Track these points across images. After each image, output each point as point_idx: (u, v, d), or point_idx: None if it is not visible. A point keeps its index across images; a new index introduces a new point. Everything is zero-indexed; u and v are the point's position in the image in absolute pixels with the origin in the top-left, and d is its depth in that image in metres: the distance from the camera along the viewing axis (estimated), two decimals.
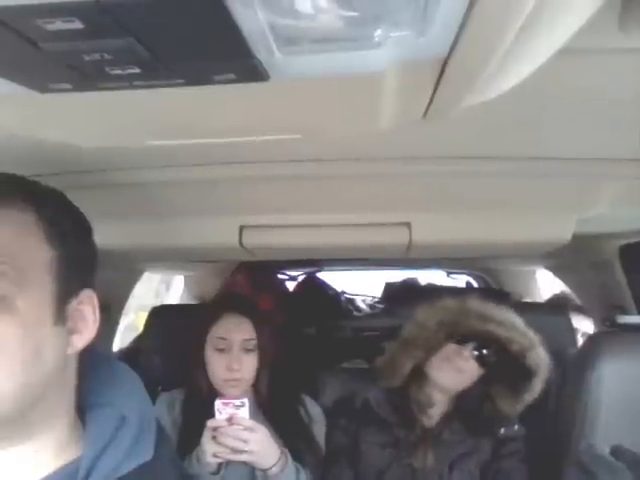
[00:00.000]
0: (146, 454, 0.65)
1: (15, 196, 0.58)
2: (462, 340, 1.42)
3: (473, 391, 1.46)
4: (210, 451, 1.25)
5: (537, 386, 1.41)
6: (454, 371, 1.41)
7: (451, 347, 1.42)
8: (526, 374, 1.40)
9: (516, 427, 1.47)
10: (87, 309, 0.63)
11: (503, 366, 1.42)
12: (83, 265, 0.64)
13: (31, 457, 0.61)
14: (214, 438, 1.25)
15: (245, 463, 1.29)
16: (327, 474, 1.47)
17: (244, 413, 1.26)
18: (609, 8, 0.47)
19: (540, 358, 1.40)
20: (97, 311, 0.64)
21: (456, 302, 1.45)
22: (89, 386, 0.68)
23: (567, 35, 0.44)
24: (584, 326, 2.25)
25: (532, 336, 1.40)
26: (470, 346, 1.40)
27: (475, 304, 1.43)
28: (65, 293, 0.60)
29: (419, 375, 1.48)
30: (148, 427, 0.68)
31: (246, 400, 1.28)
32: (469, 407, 1.46)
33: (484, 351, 1.41)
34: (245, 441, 1.24)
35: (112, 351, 2.06)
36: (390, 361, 1.49)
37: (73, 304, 0.61)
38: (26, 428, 0.60)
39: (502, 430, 1.45)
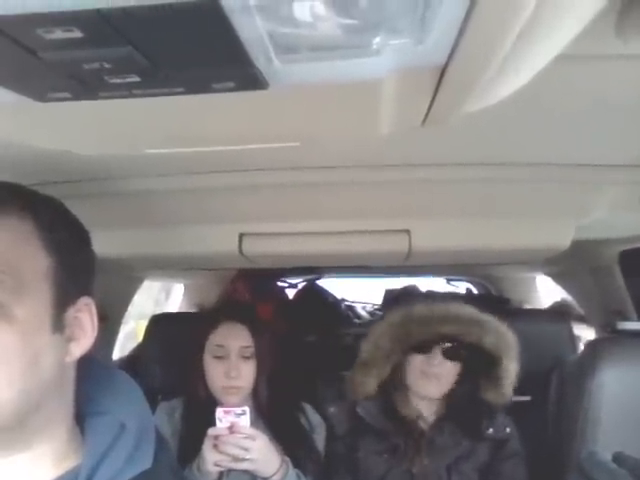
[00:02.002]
0: (145, 462, 0.64)
1: (13, 204, 0.58)
2: (425, 348, 1.40)
3: (460, 391, 1.45)
4: (211, 460, 1.24)
5: (510, 367, 1.38)
6: (433, 380, 1.40)
7: (418, 358, 1.40)
8: (495, 359, 1.39)
9: (508, 430, 1.45)
10: (85, 317, 0.63)
11: (475, 358, 1.41)
12: (81, 273, 0.64)
13: (30, 466, 0.60)
14: (215, 447, 1.25)
15: (246, 471, 1.28)
16: None
17: (245, 421, 1.26)
18: (606, 14, 0.47)
19: (499, 339, 1.37)
20: (95, 319, 0.64)
21: (400, 314, 1.43)
22: (88, 394, 0.68)
23: (565, 41, 0.44)
24: (585, 334, 2.25)
25: (485, 320, 1.38)
26: (437, 351, 1.39)
27: (418, 310, 1.41)
28: (63, 301, 0.60)
29: (399, 387, 1.47)
30: (147, 435, 0.67)
31: (247, 408, 1.27)
32: (460, 408, 1.45)
33: (453, 346, 1.39)
34: (246, 449, 1.24)
35: (112, 360, 2.05)
36: (352, 381, 1.48)
37: (71, 312, 0.61)
38: (25, 436, 0.59)
39: (491, 430, 1.43)
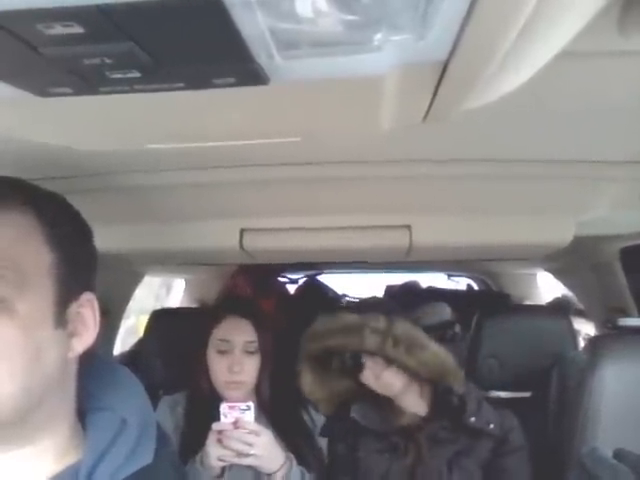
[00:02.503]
0: (147, 457, 0.65)
1: (15, 199, 0.58)
2: (351, 368, 1.39)
3: (432, 384, 1.43)
4: (215, 455, 1.25)
5: (420, 356, 1.33)
6: (385, 388, 1.39)
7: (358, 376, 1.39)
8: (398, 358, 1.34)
9: (492, 426, 1.41)
10: (87, 312, 0.63)
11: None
12: (83, 268, 0.64)
13: (31, 461, 0.61)
14: (219, 441, 1.25)
15: (249, 467, 1.29)
16: None
17: (250, 417, 1.26)
18: (608, 11, 0.47)
19: (385, 337, 1.32)
20: (97, 314, 0.64)
21: (306, 336, 1.44)
22: (89, 390, 0.68)
23: (566, 38, 0.44)
24: (586, 330, 2.25)
25: (379, 319, 1.34)
26: (361, 367, 1.37)
27: (315, 327, 1.42)
28: (65, 296, 0.60)
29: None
30: (148, 430, 0.67)
31: (252, 404, 1.28)
32: (441, 400, 1.42)
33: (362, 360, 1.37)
34: (250, 445, 1.24)
35: (113, 355, 2.06)
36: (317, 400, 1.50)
37: (73, 307, 0.61)
38: (26, 432, 0.59)
39: (473, 419, 1.39)
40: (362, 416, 1.47)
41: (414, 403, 1.45)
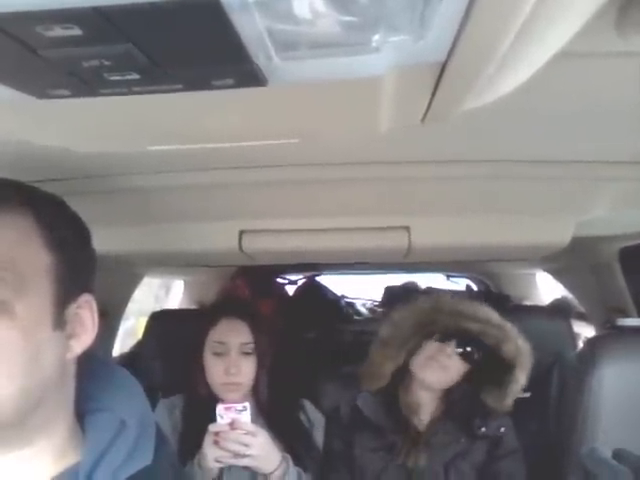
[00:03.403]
0: (145, 459, 0.65)
1: (14, 201, 0.58)
2: (443, 338, 1.42)
3: (461, 390, 1.47)
4: (212, 456, 1.25)
5: (520, 378, 1.41)
6: (439, 369, 1.42)
7: (434, 345, 1.43)
8: (507, 367, 1.40)
9: (502, 429, 1.46)
10: (86, 314, 0.63)
11: (486, 361, 1.43)
12: (82, 270, 0.64)
13: (30, 462, 0.60)
14: (216, 443, 1.25)
15: (246, 468, 1.29)
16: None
17: (246, 417, 1.26)
18: (606, 12, 0.47)
19: (518, 349, 1.39)
20: (96, 316, 0.64)
21: (429, 301, 1.47)
22: (88, 391, 0.68)
23: (564, 38, 0.44)
24: (585, 331, 2.25)
25: (508, 328, 1.40)
26: (452, 343, 1.41)
27: (447, 301, 1.45)
28: (64, 298, 0.60)
29: (405, 376, 1.48)
30: (147, 432, 0.67)
31: (248, 404, 1.28)
32: (459, 407, 1.46)
33: (467, 348, 1.42)
34: (247, 445, 1.24)
35: (112, 356, 2.06)
36: (370, 364, 1.50)
37: (72, 309, 0.61)
38: (25, 433, 0.59)
39: (483, 429, 1.44)
40: (366, 406, 1.49)
41: (431, 401, 1.48)
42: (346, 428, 1.50)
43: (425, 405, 1.48)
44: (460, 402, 1.46)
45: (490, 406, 1.44)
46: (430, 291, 3.03)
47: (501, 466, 1.43)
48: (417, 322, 1.44)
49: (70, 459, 0.63)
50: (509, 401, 1.43)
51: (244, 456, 1.24)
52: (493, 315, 1.42)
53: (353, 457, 1.46)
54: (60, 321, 0.59)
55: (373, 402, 1.49)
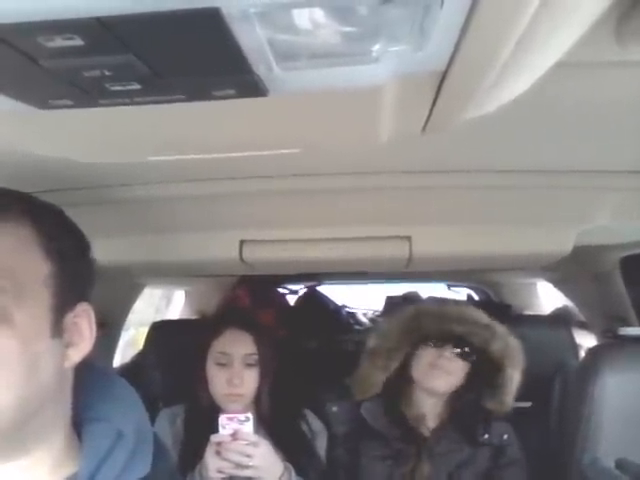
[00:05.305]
0: (143, 469, 0.64)
1: (13, 210, 0.58)
2: (438, 342, 1.42)
3: (464, 398, 1.46)
4: (214, 466, 1.24)
5: (514, 375, 1.41)
6: (444, 374, 1.42)
7: (431, 351, 1.43)
8: (500, 366, 1.41)
9: (505, 437, 1.46)
10: (83, 322, 0.63)
11: (479, 363, 1.43)
12: (80, 280, 0.64)
13: (27, 472, 0.60)
14: (218, 453, 1.24)
15: (249, 478, 1.28)
16: None
17: (248, 428, 1.26)
18: (605, 21, 0.47)
19: (507, 347, 1.40)
20: (93, 324, 0.64)
21: (413, 308, 1.48)
22: (86, 400, 0.68)
23: (564, 48, 0.44)
24: (587, 341, 2.23)
25: (496, 328, 1.41)
26: (448, 346, 1.42)
27: (430, 306, 1.47)
28: (62, 307, 0.60)
29: (404, 384, 1.48)
30: (145, 442, 0.67)
31: (250, 415, 1.27)
32: (462, 414, 1.46)
33: (466, 349, 1.42)
34: (249, 456, 1.24)
35: (112, 367, 2.05)
36: (360, 374, 1.51)
37: (69, 317, 0.61)
38: (22, 442, 0.59)
39: (486, 436, 1.43)
40: (371, 416, 1.48)
41: (434, 407, 1.48)
42: (349, 437, 1.49)
43: (430, 412, 1.47)
44: (463, 410, 1.46)
45: (491, 410, 1.43)
46: (432, 301, 3.03)
47: (503, 475, 1.42)
48: (403, 330, 1.45)
49: (67, 469, 0.63)
50: (508, 402, 1.42)
51: (246, 467, 1.24)
52: (480, 316, 1.42)
53: (358, 466, 1.46)
54: (58, 329, 0.59)
55: (377, 411, 1.48)
